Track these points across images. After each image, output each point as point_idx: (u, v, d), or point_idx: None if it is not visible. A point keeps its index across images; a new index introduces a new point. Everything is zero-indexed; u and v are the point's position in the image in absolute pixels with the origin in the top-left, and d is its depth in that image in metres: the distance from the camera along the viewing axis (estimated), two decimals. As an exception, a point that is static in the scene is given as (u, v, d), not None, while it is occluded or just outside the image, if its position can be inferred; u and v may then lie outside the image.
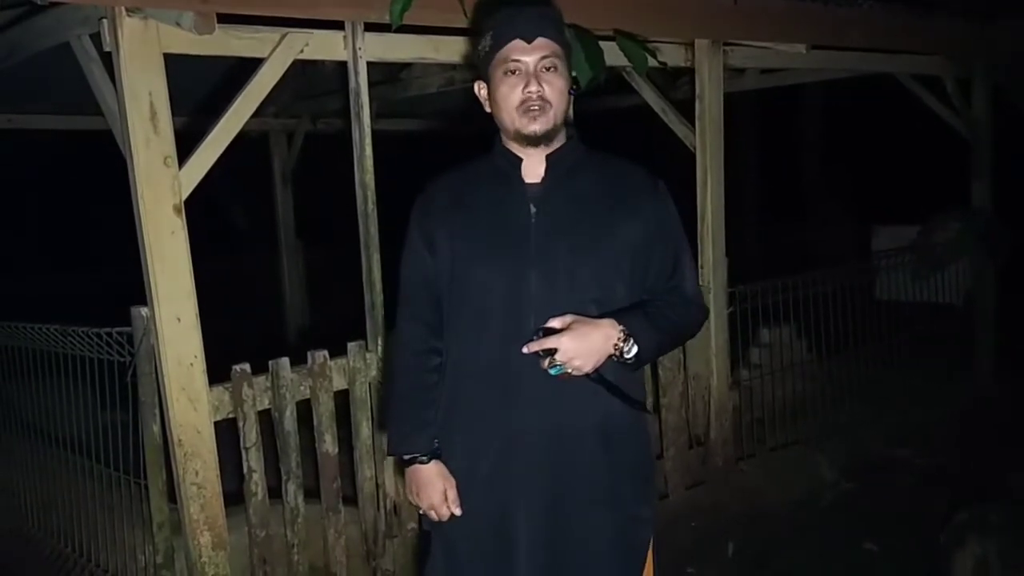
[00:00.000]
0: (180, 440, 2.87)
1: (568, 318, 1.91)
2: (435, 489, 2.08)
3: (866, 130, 10.81)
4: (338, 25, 3.19)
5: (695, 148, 4.19)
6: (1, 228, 9.60)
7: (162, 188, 2.79)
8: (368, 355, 3.34)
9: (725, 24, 3.99)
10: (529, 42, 1.93)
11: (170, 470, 2.96)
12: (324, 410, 3.24)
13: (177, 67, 2.86)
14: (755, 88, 6.27)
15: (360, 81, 3.26)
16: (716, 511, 4.17)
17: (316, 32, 3.13)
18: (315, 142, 7.35)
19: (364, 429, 3.34)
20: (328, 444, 3.26)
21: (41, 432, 4.00)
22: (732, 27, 4.01)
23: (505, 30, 1.96)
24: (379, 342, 3.35)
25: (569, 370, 1.90)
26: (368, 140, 3.30)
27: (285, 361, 3.16)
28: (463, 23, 3.11)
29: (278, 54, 3.05)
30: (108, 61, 2.84)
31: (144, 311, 2.87)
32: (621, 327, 1.92)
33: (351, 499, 3.39)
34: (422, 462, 2.10)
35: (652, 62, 3.38)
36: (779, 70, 5.70)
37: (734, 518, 4.14)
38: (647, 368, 4.06)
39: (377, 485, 3.40)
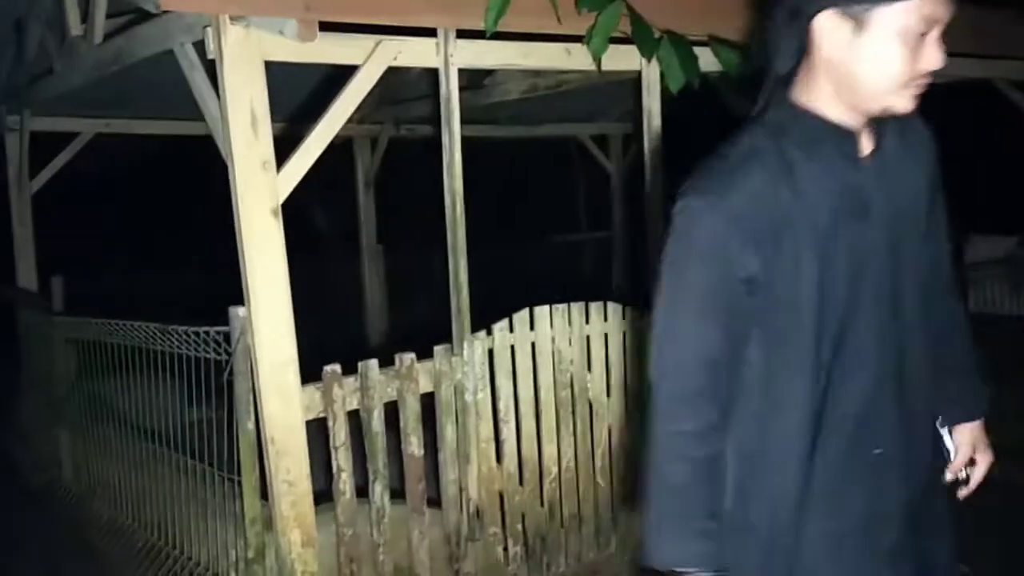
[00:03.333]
0: (273, 438, 2.93)
1: (971, 439, 1.78)
2: None
3: (958, 136, 10.45)
4: (430, 32, 3.23)
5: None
6: (97, 228, 10.02)
7: (261, 192, 2.86)
8: (454, 359, 3.37)
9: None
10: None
11: (263, 467, 3.03)
12: (411, 412, 3.28)
13: (270, 74, 2.93)
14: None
15: (451, 88, 3.29)
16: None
17: (409, 39, 3.18)
18: (396, 147, 7.46)
19: (449, 432, 3.37)
20: (414, 446, 3.30)
21: (135, 426, 4.13)
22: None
23: None
24: (464, 346, 3.38)
25: None
26: (457, 146, 3.33)
27: (374, 363, 3.21)
28: (555, 29, 3.12)
29: (372, 61, 3.10)
30: (208, 68, 2.94)
31: (241, 311, 2.95)
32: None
33: (434, 501, 3.42)
34: None
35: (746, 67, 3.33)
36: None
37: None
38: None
39: (460, 488, 3.42)
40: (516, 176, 10.64)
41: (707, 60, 3.45)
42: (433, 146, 3.47)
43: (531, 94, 5.36)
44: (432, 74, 3.35)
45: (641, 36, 2.90)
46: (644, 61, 3.58)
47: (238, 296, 2.96)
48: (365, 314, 7.68)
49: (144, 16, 3.41)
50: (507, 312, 3.52)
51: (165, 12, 2.86)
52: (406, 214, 8.63)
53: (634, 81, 4.09)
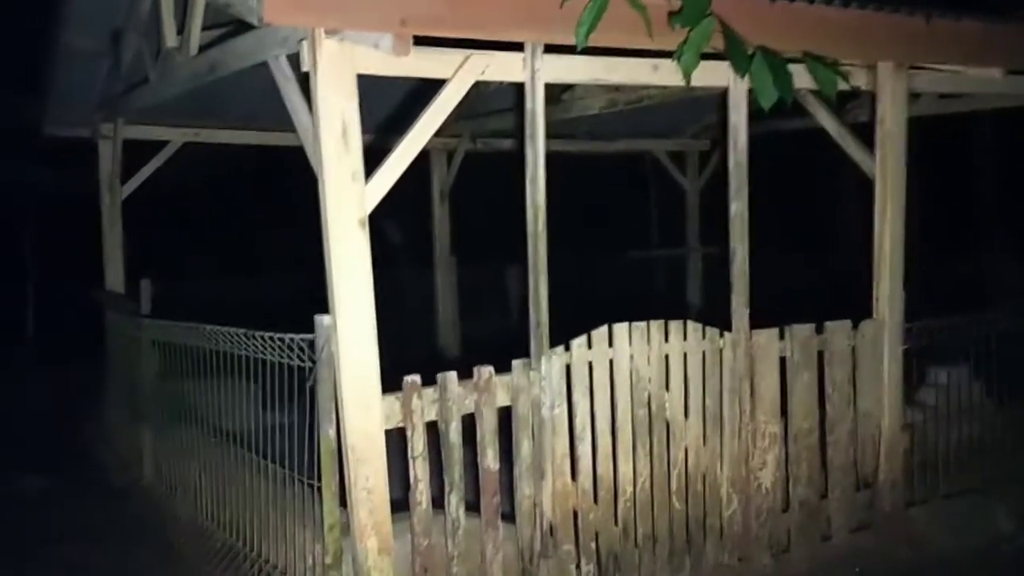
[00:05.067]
0: (353, 446, 2.96)
1: None
2: None
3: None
4: (516, 47, 3.24)
5: (873, 175, 4.02)
6: (184, 233, 10.34)
7: (349, 202, 2.91)
8: (532, 373, 3.36)
9: (913, 47, 3.81)
10: None
11: (342, 474, 3.06)
12: (488, 425, 3.28)
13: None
14: (931, 114, 5.94)
15: (537, 103, 3.30)
16: (882, 556, 3.96)
17: (496, 54, 3.20)
18: (470, 160, 7.51)
19: (525, 447, 3.36)
20: (490, 459, 3.29)
21: (215, 428, 4.21)
22: (920, 50, 3.82)
23: None
24: (542, 361, 3.37)
25: None
26: (542, 161, 3.33)
27: (453, 375, 3.22)
28: (645, 44, 3.09)
29: (461, 75, 3.13)
30: (301, 80, 3.00)
31: (327, 319, 2.99)
32: None
33: (508, 516, 3.41)
34: None
35: (843, 85, 3.25)
36: (960, 95, 5.38)
37: (901, 565, 3.92)
38: (813, 399, 3.92)
39: (535, 504, 3.39)
40: (590, 191, 10.60)
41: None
42: (508, 160, 3.49)
43: (610, 109, 5.35)
44: (512, 88, 3.36)
45: (734, 52, 2.85)
46: (732, 77, 3.54)
47: (316, 303, 3.02)
48: (436, 324, 7.73)
49: (238, 29, 3.51)
50: (580, 327, 3.50)
51: (261, 25, 2.92)
52: (478, 227, 8.67)
53: (716, 98, 4.05)
